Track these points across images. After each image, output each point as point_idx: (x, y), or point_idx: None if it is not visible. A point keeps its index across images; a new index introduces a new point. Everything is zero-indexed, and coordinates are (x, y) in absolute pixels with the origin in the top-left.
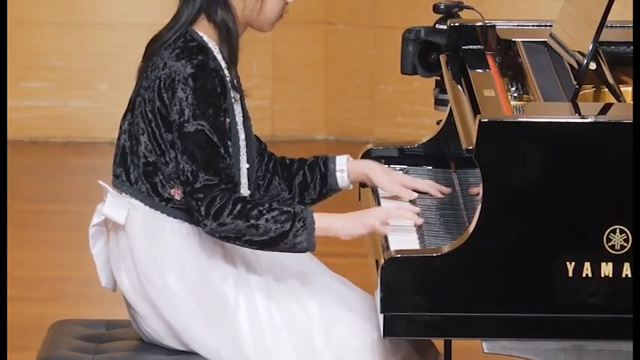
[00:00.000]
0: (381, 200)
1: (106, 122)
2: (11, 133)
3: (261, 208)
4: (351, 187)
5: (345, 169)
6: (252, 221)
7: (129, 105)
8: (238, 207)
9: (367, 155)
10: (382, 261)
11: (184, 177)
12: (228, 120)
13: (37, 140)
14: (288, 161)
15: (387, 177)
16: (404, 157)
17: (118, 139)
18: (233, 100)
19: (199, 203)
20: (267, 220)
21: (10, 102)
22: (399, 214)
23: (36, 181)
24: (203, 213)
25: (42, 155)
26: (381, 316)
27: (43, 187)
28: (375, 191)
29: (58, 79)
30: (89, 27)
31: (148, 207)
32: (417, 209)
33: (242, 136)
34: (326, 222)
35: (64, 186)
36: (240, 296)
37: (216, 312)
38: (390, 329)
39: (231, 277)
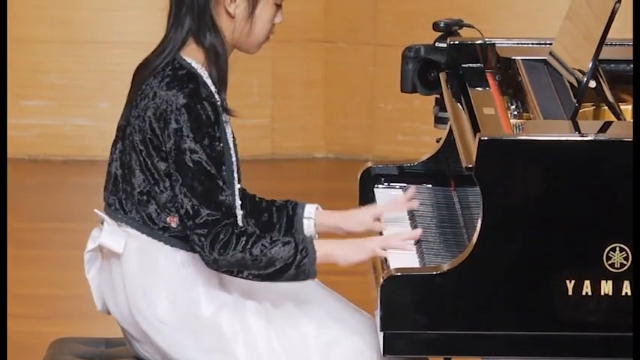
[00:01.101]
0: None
1: (105, 140)
2: (11, 151)
3: (264, 242)
4: (317, 237)
5: (312, 217)
6: (256, 255)
7: (118, 132)
8: (242, 241)
9: (367, 174)
10: (382, 279)
11: (184, 210)
12: (221, 145)
13: (37, 158)
14: (257, 199)
15: (353, 223)
16: (404, 175)
17: (109, 165)
18: (225, 123)
19: (202, 239)
20: (270, 254)
21: (10, 120)
22: (400, 245)
23: (36, 199)
24: (207, 249)
25: (42, 173)
26: (380, 335)
27: (43, 205)
28: None
29: (57, 97)
30: (89, 45)
31: (144, 235)
32: (419, 231)
33: (233, 158)
34: (326, 250)
35: (64, 204)
36: (238, 328)
37: (212, 342)
38: (390, 348)
39: (227, 307)
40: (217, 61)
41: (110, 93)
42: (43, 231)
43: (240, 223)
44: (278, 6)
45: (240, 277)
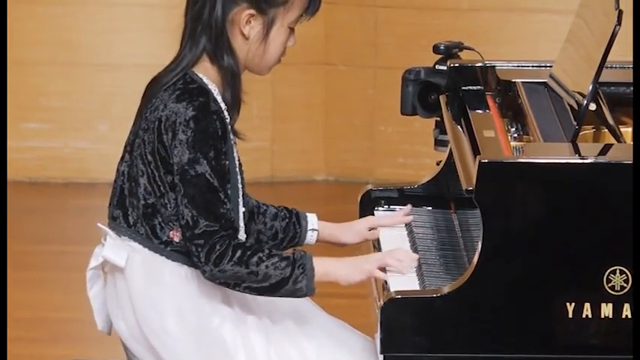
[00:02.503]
0: (382, 246)
1: (105, 163)
2: (11, 174)
3: (261, 255)
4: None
5: (316, 228)
6: (252, 268)
7: (126, 147)
8: (238, 254)
9: (367, 197)
10: (382, 302)
11: (184, 221)
12: (227, 162)
13: (37, 181)
14: (261, 210)
15: (349, 234)
16: (404, 197)
17: (115, 181)
18: (233, 142)
19: (199, 250)
20: (267, 267)
21: (10, 143)
22: (397, 263)
23: (36, 221)
24: (203, 259)
25: (42, 196)
26: (381, 357)
27: (43, 227)
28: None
29: (57, 119)
30: (89, 68)
31: (147, 249)
32: (416, 256)
33: (239, 176)
34: (325, 268)
35: (64, 227)
36: (239, 341)
37: (215, 355)
38: None
39: (229, 321)
40: (233, 81)
41: (110, 115)
42: (44, 254)
43: (241, 237)
44: (291, 30)
45: (237, 290)
